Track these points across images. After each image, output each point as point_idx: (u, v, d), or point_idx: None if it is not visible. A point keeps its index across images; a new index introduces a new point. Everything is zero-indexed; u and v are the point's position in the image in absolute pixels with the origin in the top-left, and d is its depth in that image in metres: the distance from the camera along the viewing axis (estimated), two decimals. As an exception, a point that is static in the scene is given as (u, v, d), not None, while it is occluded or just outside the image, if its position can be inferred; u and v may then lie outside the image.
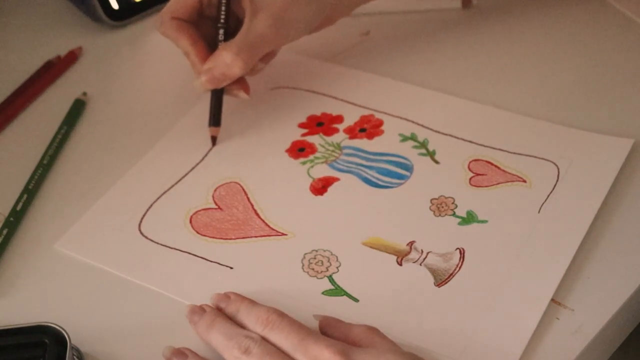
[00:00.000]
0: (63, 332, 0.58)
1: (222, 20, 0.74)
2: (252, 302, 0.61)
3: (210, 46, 0.74)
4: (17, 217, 0.70)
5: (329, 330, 0.60)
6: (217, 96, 0.75)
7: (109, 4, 0.87)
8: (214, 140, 0.75)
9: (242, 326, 0.60)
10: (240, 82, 0.74)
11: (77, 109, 0.80)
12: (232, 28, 0.74)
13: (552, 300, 0.61)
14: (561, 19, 0.85)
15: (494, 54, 0.82)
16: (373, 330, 0.58)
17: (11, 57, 0.87)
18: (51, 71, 0.84)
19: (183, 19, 0.74)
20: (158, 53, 0.88)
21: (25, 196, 0.71)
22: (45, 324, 0.58)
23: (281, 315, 0.58)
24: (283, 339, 0.57)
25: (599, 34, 0.83)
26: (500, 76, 0.79)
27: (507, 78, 0.79)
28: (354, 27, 0.86)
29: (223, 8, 0.73)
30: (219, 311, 0.61)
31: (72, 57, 0.85)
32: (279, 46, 0.75)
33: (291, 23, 0.73)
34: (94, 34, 0.88)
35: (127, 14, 0.88)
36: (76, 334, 0.60)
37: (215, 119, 0.75)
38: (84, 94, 0.81)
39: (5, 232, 0.69)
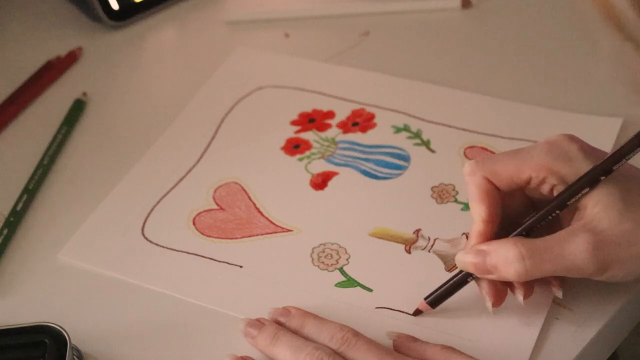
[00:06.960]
0: (63, 332, 0.58)
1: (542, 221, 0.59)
2: (319, 318, 0.60)
3: (504, 222, 0.60)
4: (17, 217, 0.70)
5: (403, 349, 0.58)
6: (460, 280, 0.60)
7: (109, 4, 0.87)
8: (416, 312, 0.61)
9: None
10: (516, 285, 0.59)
11: (77, 109, 0.80)
12: (543, 225, 0.59)
13: (552, 300, 0.61)
14: (561, 19, 0.85)
15: (494, 54, 0.82)
16: (449, 349, 0.57)
17: (11, 57, 0.87)
18: (51, 71, 0.84)
19: (496, 187, 0.60)
20: (158, 53, 0.88)
21: (25, 196, 0.71)
22: (46, 324, 0.58)
23: (356, 334, 0.58)
24: (360, 358, 0.56)
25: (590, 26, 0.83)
26: (500, 76, 0.79)
27: (508, 78, 0.79)
28: (354, 27, 0.86)
29: (551, 216, 0.58)
30: (280, 325, 0.60)
31: (72, 57, 0.85)
32: (588, 276, 0.57)
33: (619, 263, 0.56)
34: (94, 34, 0.88)
35: (127, 14, 0.88)
36: (76, 334, 0.60)
37: (436, 298, 0.60)
38: (84, 94, 0.81)
39: (5, 232, 0.69)
